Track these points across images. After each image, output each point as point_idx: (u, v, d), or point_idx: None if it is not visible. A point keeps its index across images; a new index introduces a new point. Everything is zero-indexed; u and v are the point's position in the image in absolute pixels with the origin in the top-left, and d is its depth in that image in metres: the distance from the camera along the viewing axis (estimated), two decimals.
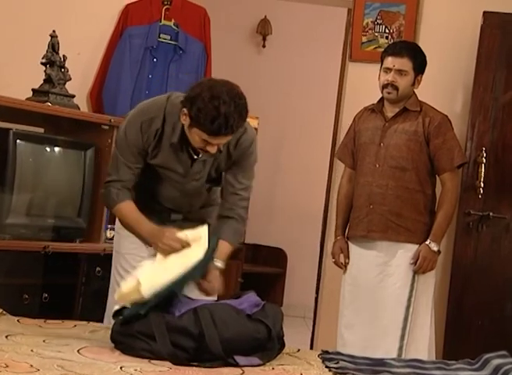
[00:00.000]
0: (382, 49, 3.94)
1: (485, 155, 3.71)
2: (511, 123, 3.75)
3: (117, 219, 2.73)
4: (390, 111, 3.31)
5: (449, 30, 3.96)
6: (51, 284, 3.31)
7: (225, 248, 2.55)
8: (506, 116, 3.76)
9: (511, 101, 3.76)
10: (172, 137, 2.46)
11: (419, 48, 3.37)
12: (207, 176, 2.60)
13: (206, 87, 2.31)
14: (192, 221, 2.69)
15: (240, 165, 2.56)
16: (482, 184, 3.69)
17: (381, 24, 4.04)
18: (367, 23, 4.04)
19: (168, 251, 2.38)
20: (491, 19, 3.77)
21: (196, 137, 2.37)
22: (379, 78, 3.30)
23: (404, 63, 3.23)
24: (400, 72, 3.23)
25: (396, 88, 3.23)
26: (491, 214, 3.69)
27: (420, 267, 3.21)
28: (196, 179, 2.58)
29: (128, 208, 2.52)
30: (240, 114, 2.31)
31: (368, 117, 3.38)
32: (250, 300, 2.33)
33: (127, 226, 2.57)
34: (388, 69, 3.25)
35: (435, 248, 3.22)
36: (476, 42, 3.78)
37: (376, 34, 4.04)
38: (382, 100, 3.35)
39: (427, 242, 3.22)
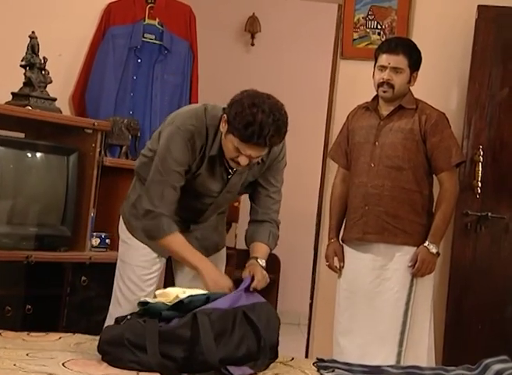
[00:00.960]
0: (375, 46, 3.96)
1: (482, 153, 3.72)
2: (508, 120, 3.77)
3: (121, 229, 2.73)
4: (385, 109, 3.31)
5: (443, 24, 3.97)
6: (34, 295, 3.29)
7: (262, 247, 2.57)
8: (502, 113, 3.78)
9: (508, 97, 3.78)
10: (212, 149, 2.48)
11: (414, 44, 3.36)
12: (242, 186, 2.61)
13: (249, 95, 2.35)
14: (204, 229, 2.72)
15: (272, 168, 2.59)
16: (480, 184, 3.70)
17: (372, 20, 4.05)
18: (358, 19, 4.05)
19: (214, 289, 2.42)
20: (485, 13, 3.79)
21: (230, 145, 2.38)
22: (374, 76, 3.29)
23: (400, 61, 3.23)
24: (395, 69, 3.23)
25: (392, 86, 3.23)
26: (489, 214, 3.70)
27: (418, 270, 3.21)
28: (230, 191, 2.61)
29: (179, 239, 2.50)
30: (277, 128, 2.32)
31: (362, 115, 3.38)
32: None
33: (177, 255, 2.56)
34: (383, 67, 3.24)
35: (433, 250, 3.22)
36: (471, 37, 3.79)
37: (368, 30, 4.05)
38: (376, 98, 3.34)
39: (425, 244, 3.22)
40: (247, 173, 2.56)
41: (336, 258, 3.38)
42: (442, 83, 3.94)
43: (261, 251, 2.56)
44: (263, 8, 6.06)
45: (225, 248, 2.84)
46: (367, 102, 3.39)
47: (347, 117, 3.46)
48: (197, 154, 2.48)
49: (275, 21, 6.10)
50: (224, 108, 2.42)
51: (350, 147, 3.38)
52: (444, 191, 3.25)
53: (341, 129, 3.50)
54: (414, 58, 3.27)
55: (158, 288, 2.59)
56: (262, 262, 2.52)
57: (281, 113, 2.34)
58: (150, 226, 2.51)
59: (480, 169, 3.71)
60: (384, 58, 3.24)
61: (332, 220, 3.44)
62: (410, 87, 3.33)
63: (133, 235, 2.67)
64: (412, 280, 3.23)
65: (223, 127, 2.39)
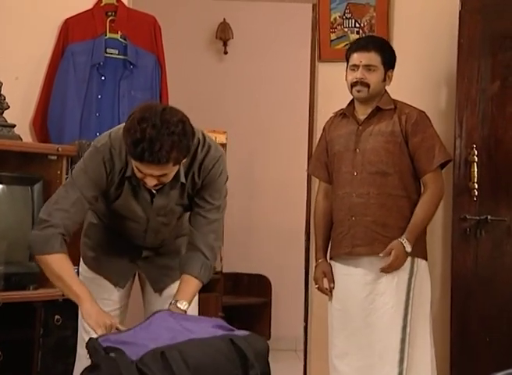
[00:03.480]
0: None
1: (476, 152, 3.73)
2: (502, 115, 3.78)
3: (81, 261, 2.74)
4: (362, 113, 3.33)
5: (426, 18, 4.00)
6: (4, 340, 3.25)
7: (189, 284, 2.52)
8: (495, 109, 3.79)
9: (500, 91, 3.79)
10: (127, 170, 2.47)
11: (386, 41, 3.42)
12: (180, 207, 2.60)
13: (141, 109, 2.31)
14: (164, 255, 2.74)
15: (208, 186, 2.56)
16: (476, 185, 3.71)
17: (350, 18, 4.07)
18: (335, 19, 4.07)
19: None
20: (470, 4, 3.82)
21: (134, 166, 2.37)
22: (346, 78, 3.31)
23: (372, 58, 3.26)
24: (368, 67, 3.26)
25: (367, 85, 3.26)
26: (489, 217, 3.70)
27: (390, 266, 3.17)
28: (161, 214, 2.59)
29: (66, 263, 2.43)
30: (173, 143, 2.26)
31: (339, 123, 3.40)
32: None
33: (56, 279, 2.46)
34: (355, 66, 3.28)
35: (408, 248, 3.18)
36: (456, 30, 3.81)
37: (346, 30, 4.06)
38: (352, 103, 3.37)
39: (402, 240, 3.18)
40: (177, 194, 2.53)
41: (325, 280, 3.36)
42: (428, 81, 3.96)
43: (186, 289, 2.50)
44: (234, 14, 6.07)
45: None
46: (342, 109, 3.41)
47: (324, 128, 3.48)
48: (116, 176, 2.47)
49: (247, 26, 6.12)
50: None
51: (330, 158, 3.39)
52: (428, 193, 3.24)
53: (319, 141, 3.51)
54: (387, 56, 3.30)
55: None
56: (183, 306, 2.46)
57: (178, 125, 2.28)
58: (39, 238, 2.43)
59: (475, 169, 3.72)
60: (355, 57, 3.28)
61: (318, 239, 3.43)
62: (387, 87, 3.34)
63: (86, 265, 2.71)
64: (408, 293, 3.21)
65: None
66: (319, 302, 3.80)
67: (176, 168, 2.38)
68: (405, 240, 3.19)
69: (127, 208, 2.56)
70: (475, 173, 3.72)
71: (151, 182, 2.36)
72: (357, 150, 3.28)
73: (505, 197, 3.73)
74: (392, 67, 3.33)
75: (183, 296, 2.48)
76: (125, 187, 2.50)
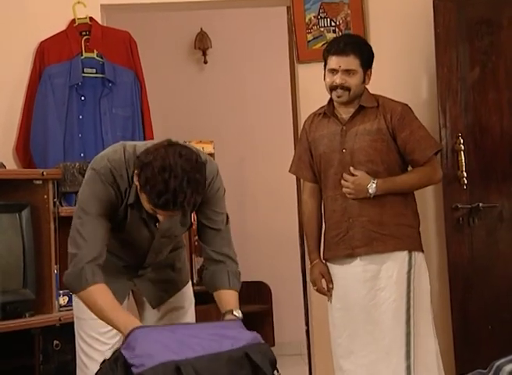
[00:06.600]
0: None
1: (462, 141, 3.75)
2: (484, 102, 3.80)
3: None
4: (345, 112, 3.31)
5: (401, 11, 4.02)
6: (3, 370, 3.24)
7: (229, 295, 2.54)
8: (477, 96, 3.81)
9: (480, 78, 3.81)
10: (130, 197, 2.47)
11: (363, 40, 3.37)
12: (181, 226, 2.61)
13: (159, 155, 2.29)
14: (159, 270, 2.74)
15: (209, 202, 2.57)
16: (465, 174, 3.73)
17: (325, 18, 4.09)
18: (310, 19, 4.09)
19: None
20: None
21: (146, 203, 2.37)
22: (325, 79, 3.29)
23: (351, 62, 3.23)
24: (347, 72, 3.23)
25: (348, 89, 3.23)
26: (480, 205, 3.72)
27: (347, 188, 3.18)
28: (166, 236, 2.60)
29: (103, 291, 2.39)
30: (193, 190, 2.29)
31: (320, 123, 3.38)
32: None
33: (97, 310, 2.41)
34: (334, 71, 3.24)
35: (371, 190, 3.18)
36: (431, 20, 3.83)
37: (322, 29, 4.08)
38: (331, 102, 3.35)
39: (373, 180, 3.18)
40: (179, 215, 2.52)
41: (323, 281, 3.34)
42: (409, 74, 3.98)
43: (230, 300, 2.52)
44: (210, 23, 6.07)
45: (189, 285, 2.83)
46: (322, 107, 3.39)
47: (303, 127, 3.46)
48: (123, 197, 2.47)
49: (225, 34, 6.12)
50: (135, 161, 2.38)
51: (315, 159, 3.37)
52: (421, 168, 3.25)
53: (299, 140, 3.48)
54: (366, 57, 3.27)
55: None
56: (239, 314, 2.48)
57: (197, 170, 2.30)
58: (70, 276, 2.41)
59: (463, 158, 3.74)
60: (334, 61, 3.24)
61: (309, 241, 3.41)
62: (367, 84, 3.31)
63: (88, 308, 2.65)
64: (409, 286, 3.19)
65: (137, 181, 2.35)
66: (318, 304, 3.80)
67: None
68: (375, 182, 3.19)
69: (134, 231, 2.55)
70: (463, 161, 3.74)
71: (164, 219, 2.40)
72: (344, 150, 3.26)
73: (495, 183, 3.75)
74: (371, 66, 3.30)
75: (231, 305, 2.49)
76: (129, 211, 2.50)
